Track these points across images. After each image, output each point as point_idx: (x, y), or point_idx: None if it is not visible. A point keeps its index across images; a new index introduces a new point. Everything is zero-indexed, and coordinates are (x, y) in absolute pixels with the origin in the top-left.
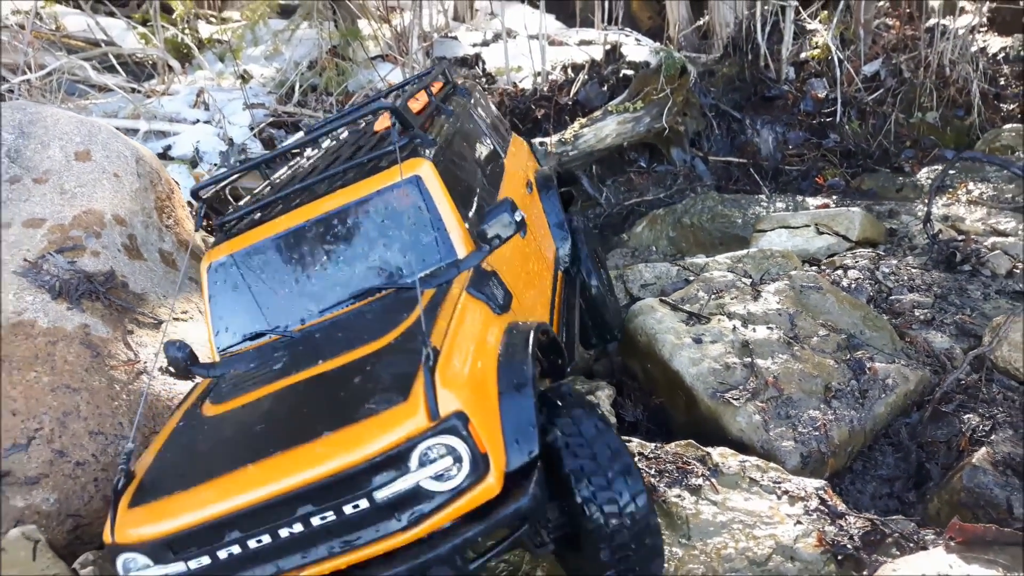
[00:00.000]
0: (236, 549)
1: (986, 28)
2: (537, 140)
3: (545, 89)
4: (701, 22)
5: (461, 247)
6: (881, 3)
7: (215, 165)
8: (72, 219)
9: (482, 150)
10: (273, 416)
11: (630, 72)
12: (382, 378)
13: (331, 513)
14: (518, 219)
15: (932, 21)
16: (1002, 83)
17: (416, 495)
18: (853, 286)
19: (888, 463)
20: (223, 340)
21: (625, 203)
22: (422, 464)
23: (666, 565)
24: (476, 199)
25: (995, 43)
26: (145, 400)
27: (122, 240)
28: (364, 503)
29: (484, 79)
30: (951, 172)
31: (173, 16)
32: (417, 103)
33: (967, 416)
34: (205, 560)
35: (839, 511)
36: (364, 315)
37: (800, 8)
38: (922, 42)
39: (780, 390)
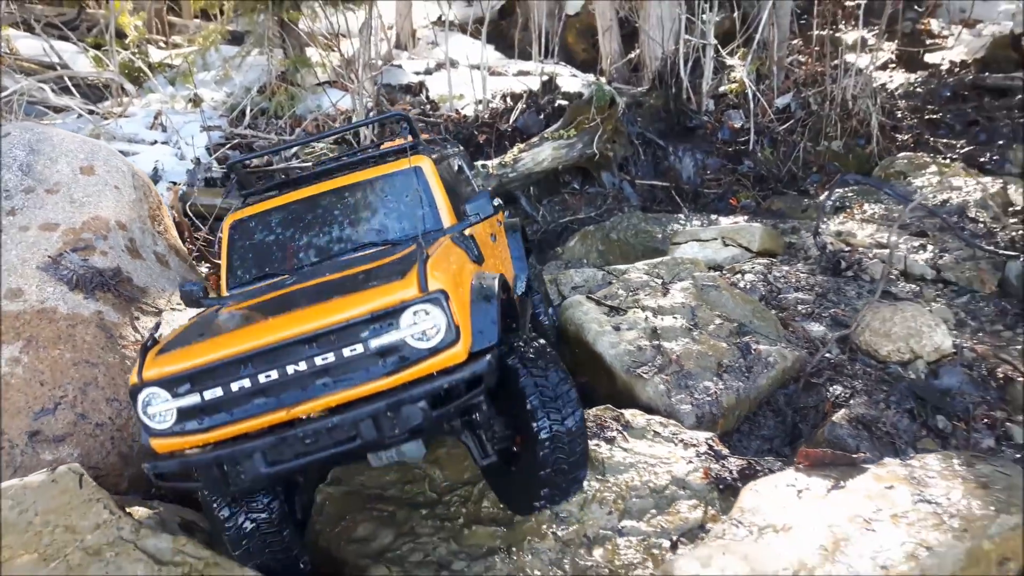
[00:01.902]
0: (247, 383)
1: (893, 65)
2: (480, 163)
3: (486, 116)
4: (632, 55)
5: (448, 217)
6: (795, 41)
7: (173, 183)
8: (82, 224)
9: (461, 182)
10: (286, 300)
11: (565, 102)
12: (383, 272)
13: (332, 355)
14: (495, 203)
15: (838, 60)
16: (899, 115)
17: (400, 348)
18: (748, 286)
19: (769, 425)
20: (233, 282)
21: (560, 220)
22: (408, 325)
23: (586, 494)
24: (458, 204)
25: (900, 79)
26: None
27: (124, 242)
28: (360, 348)
29: (428, 106)
30: (849, 194)
31: (126, 41)
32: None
33: (833, 387)
34: (218, 392)
35: (723, 454)
36: (363, 256)
37: (719, 47)
38: (828, 78)
39: (681, 366)
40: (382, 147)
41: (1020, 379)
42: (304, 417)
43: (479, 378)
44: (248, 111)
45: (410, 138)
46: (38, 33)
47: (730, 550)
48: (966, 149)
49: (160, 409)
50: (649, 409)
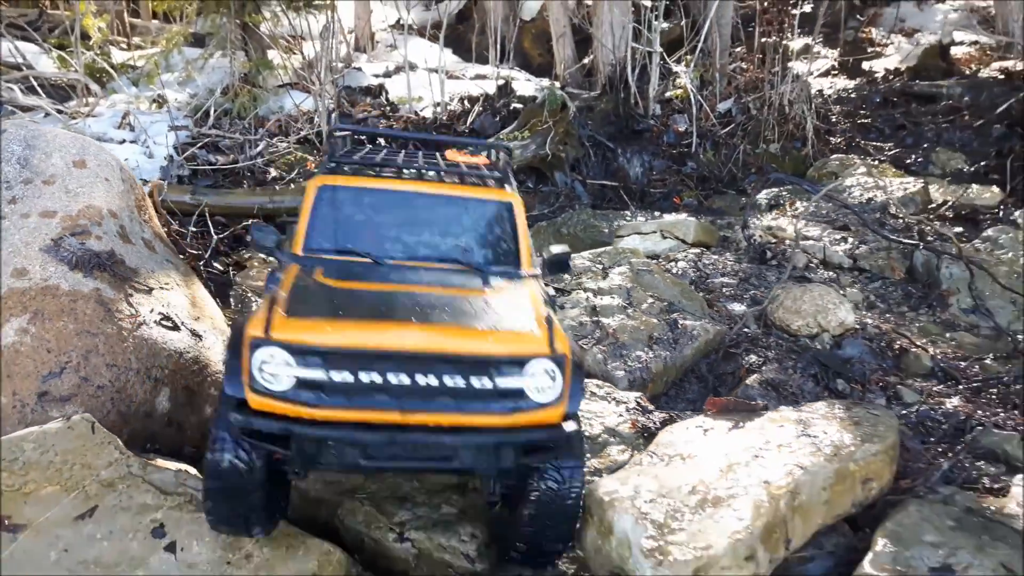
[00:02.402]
0: (377, 378)
1: (835, 72)
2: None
3: (444, 118)
4: (586, 61)
5: (526, 264)
6: (739, 49)
7: (145, 181)
8: (77, 212)
9: None
10: (411, 301)
11: (519, 105)
12: (506, 311)
13: (461, 380)
14: (570, 264)
15: (777, 67)
16: (833, 120)
17: (519, 394)
18: (679, 272)
19: (693, 389)
20: (311, 244)
21: None
22: (532, 375)
23: None
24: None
25: (839, 85)
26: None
27: (116, 229)
28: (487, 383)
29: (388, 107)
30: (783, 193)
31: (90, 42)
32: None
33: (749, 356)
34: (347, 377)
35: (649, 409)
36: (454, 274)
37: (664, 54)
38: (767, 84)
39: (617, 338)
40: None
41: (914, 350)
42: (413, 425)
43: (571, 440)
44: (212, 112)
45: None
46: (6, 36)
47: (644, 472)
48: (893, 151)
49: (277, 371)
50: (588, 375)
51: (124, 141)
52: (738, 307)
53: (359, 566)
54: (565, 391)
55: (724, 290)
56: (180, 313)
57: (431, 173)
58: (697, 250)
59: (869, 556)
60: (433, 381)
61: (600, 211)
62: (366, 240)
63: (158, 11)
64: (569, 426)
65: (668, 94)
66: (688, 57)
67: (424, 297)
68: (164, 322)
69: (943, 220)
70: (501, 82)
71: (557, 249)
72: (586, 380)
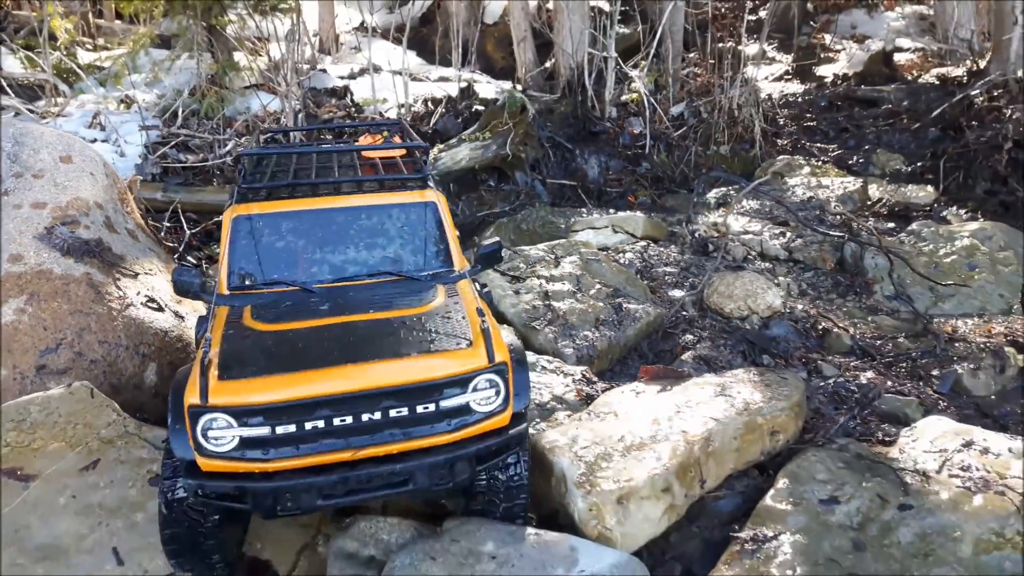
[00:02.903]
0: (321, 424)
1: (789, 77)
2: None
3: (408, 119)
4: (548, 64)
5: (458, 263)
6: (692, 55)
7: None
8: (66, 203)
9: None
10: (344, 338)
11: (481, 107)
12: (442, 330)
13: (406, 409)
14: (501, 255)
15: (728, 72)
16: (780, 123)
17: (464, 410)
18: (626, 262)
19: (635, 366)
20: (235, 281)
21: (477, 214)
22: (475, 389)
23: None
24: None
25: (790, 89)
26: None
27: (102, 219)
28: (432, 407)
29: (352, 108)
30: (732, 192)
31: (57, 43)
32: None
33: (685, 336)
34: (291, 428)
35: (593, 380)
36: (388, 289)
37: (619, 59)
38: (717, 89)
39: (566, 320)
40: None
41: (836, 330)
42: (361, 459)
43: (522, 440)
44: (180, 112)
45: (397, 139)
46: None
47: (582, 426)
48: (837, 152)
49: (221, 434)
50: (540, 351)
51: (96, 140)
52: (678, 293)
53: None
54: (510, 395)
55: (667, 278)
56: (163, 296)
57: (348, 185)
58: (645, 243)
59: (771, 492)
60: (378, 416)
61: (558, 208)
62: (292, 267)
63: (124, 12)
64: (517, 428)
65: (624, 98)
66: (643, 62)
67: (357, 328)
68: (150, 304)
69: (877, 216)
70: (464, 85)
71: (488, 242)
72: (537, 356)
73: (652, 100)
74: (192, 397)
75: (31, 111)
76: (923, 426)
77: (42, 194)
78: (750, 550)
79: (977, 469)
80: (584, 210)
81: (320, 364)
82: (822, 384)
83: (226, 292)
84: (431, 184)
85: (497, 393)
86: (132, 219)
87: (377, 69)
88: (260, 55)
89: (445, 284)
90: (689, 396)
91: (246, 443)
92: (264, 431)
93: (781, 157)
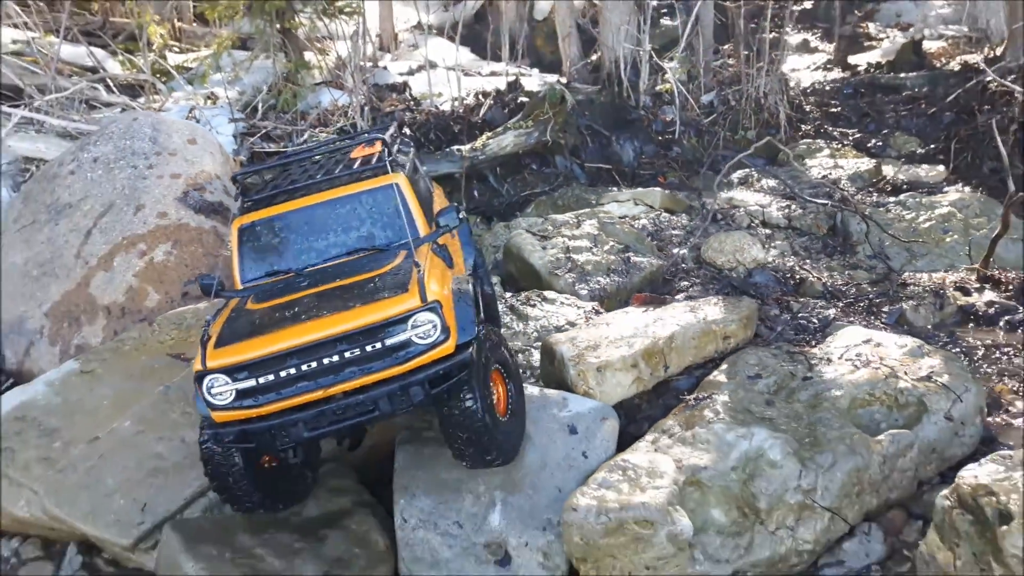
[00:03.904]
0: (292, 371)
1: (831, 66)
2: (455, 148)
3: (461, 111)
4: (593, 58)
5: (422, 228)
6: (726, 46)
7: None
8: (195, 174)
9: (424, 185)
10: (312, 303)
11: (525, 99)
12: (387, 284)
13: (358, 350)
14: (460, 216)
15: (762, 63)
16: (806, 110)
17: (407, 344)
18: (639, 227)
19: None
20: (246, 276)
21: (521, 194)
22: (414, 327)
23: (513, 328)
24: (425, 209)
25: (824, 77)
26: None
27: (221, 186)
28: (378, 345)
29: (411, 102)
30: (754, 173)
31: (153, 46)
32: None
33: (681, 282)
34: (270, 377)
35: (599, 311)
36: (361, 260)
37: (653, 52)
38: (746, 78)
39: (583, 269)
40: (355, 152)
41: (811, 279)
42: (336, 395)
43: (465, 364)
44: (260, 107)
45: (379, 146)
46: (75, 40)
47: (581, 331)
48: (857, 136)
49: (221, 390)
50: (560, 292)
51: None
52: (681, 251)
53: None
54: (452, 327)
55: (673, 239)
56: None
57: (325, 183)
58: (660, 213)
59: (714, 372)
60: (336, 358)
61: (593, 188)
62: (287, 258)
63: (208, 17)
64: (464, 355)
65: (659, 88)
66: (678, 55)
67: (324, 295)
68: None
69: (881, 192)
70: (511, 78)
71: (445, 208)
72: (558, 295)
73: (683, 90)
74: (197, 366)
75: (134, 108)
76: (842, 333)
77: (177, 167)
78: (691, 406)
79: (866, 355)
80: (615, 189)
81: (288, 323)
82: (789, 317)
83: (240, 287)
84: (392, 169)
85: (435, 327)
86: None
87: (433, 65)
88: (327, 54)
89: (406, 250)
90: (665, 313)
91: (240, 394)
92: (251, 382)
93: (804, 141)
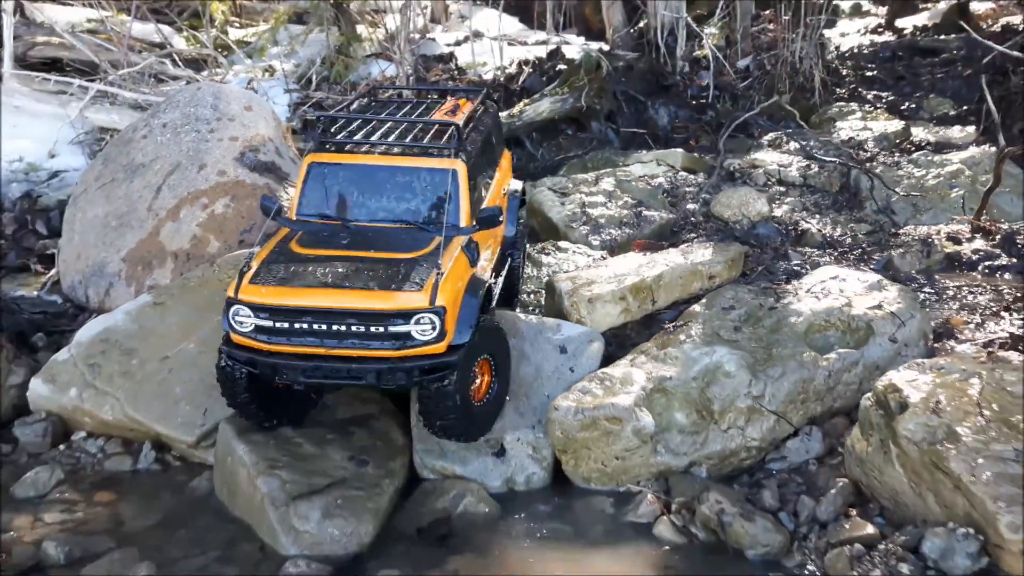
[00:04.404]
0: (305, 325)
1: (883, 28)
2: None
3: (502, 79)
4: (642, 24)
5: (464, 220)
6: (767, 12)
7: None
8: (250, 137)
9: (487, 162)
10: (342, 269)
11: (563, 67)
12: (408, 275)
13: (364, 327)
14: (500, 219)
15: (800, 28)
16: (843, 73)
17: (407, 335)
18: (656, 184)
19: None
20: (302, 210)
21: (555, 158)
22: (416, 323)
23: (528, 273)
24: (479, 190)
25: (879, 39)
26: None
27: (274, 148)
28: (382, 329)
29: (456, 71)
30: (783, 135)
31: (215, 23)
32: (463, 107)
33: (689, 234)
34: (285, 324)
35: (606, 257)
36: (402, 235)
37: (689, 20)
38: (781, 42)
39: (597, 222)
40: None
41: (811, 230)
42: (333, 355)
43: (451, 364)
44: (314, 78)
45: (461, 113)
46: (144, 18)
47: (583, 272)
48: (891, 99)
49: (243, 319)
50: (575, 242)
51: None
52: (692, 206)
53: None
54: (449, 330)
55: (687, 195)
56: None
57: (394, 147)
58: (679, 173)
59: (696, 304)
60: (343, 327)
61: (624, 151)
62: (341, 207)
63: None
64: (451, 357)
65: (696, 53)
66: (716, 21)
67: (356, 261)
68: None
69: (904, 152)
70: (552, 47)
71: (488, 206)
72: (571, 245)
73: (719, 55)
74: (231, 291)
75: (198, 80)
76: (817, 271)
77: (235, 131)
78: (669, 332)
79: (829, 289)
80: (644, 151)
81: (314, 284)
82: (785, 264)
83: (295, 218)
84: (458, 156)
85: (434, 328)
86: (291, 150)
87: (479, 35)
88: (378, 27)
89: (442, 237)
90: (659, 257)
91: (258, 329)
92: (269, 323)
93: (837, 104)
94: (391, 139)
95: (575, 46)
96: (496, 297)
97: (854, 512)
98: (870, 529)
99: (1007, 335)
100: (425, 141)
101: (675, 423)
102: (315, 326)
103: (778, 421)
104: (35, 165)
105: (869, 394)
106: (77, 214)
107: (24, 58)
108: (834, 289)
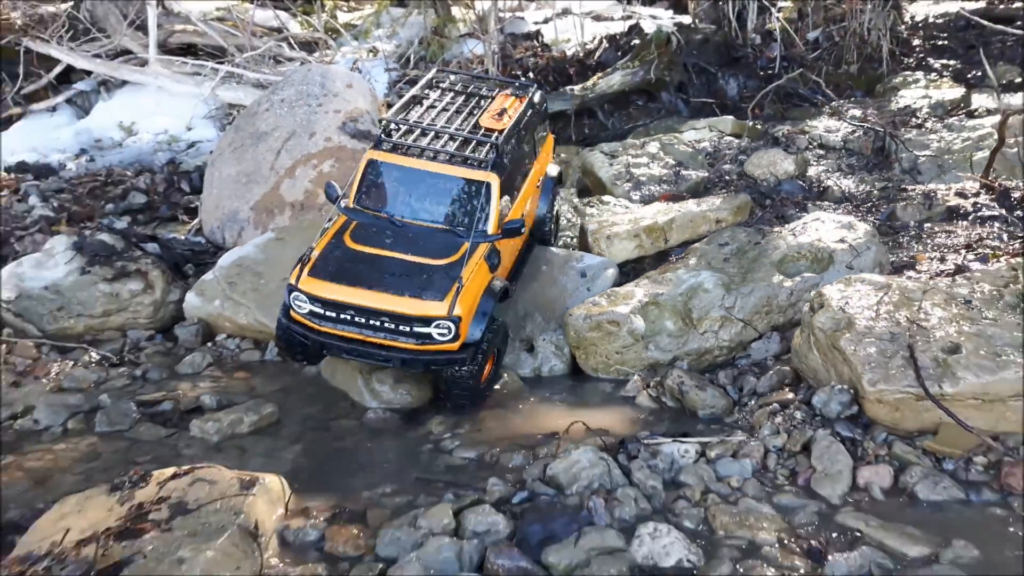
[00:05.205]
0: (348, 316)
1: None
2: (568, 87)
3: (581, 55)
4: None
5: (492, 227)
6: None
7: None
8: (351, 110)
9: (523, 161)
10: (386, 269)
11: (638, 41)
12: (435, 283)
13: (394, 324)
14: (522, 231)
15: (871, 3)
16: (915, 44)
17: (428, 335)
18: (700, 148)
19: None
20: (359, 201)
21: (625, 127)
22: (436, 327)
23: (573, 222)
24: (511, 192)
25: (953, 8)
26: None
27: (371, 120)
28: (408, 328)
29: (540, 49)
30: (846, 104)
31: (325, 8)
32: (511, 108)
33: (721, 190)
34: (332, 313)
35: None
36: (436, 237)
37: None
38: (850, 14)
39: (638, 180)
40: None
41: (833, 187)
42: (369, 341)
43: (461, 360)
44: (412, 58)
45: (508, 116)
46: (264, 5)
47: (615, 215)
48: (958, 68)
49: (300, 304)
50: (618, 197)
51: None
52: (728, 166)
53: None
54: (463, 333)
55: (726, 157)
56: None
57: (441, 155)
58: (727, 138)
59: (699, 242)
60: (377, 322)
61: (691, 119)
62: (390, 203)
63: None
64: (463, 354)
65: (768, 26)
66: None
67: (395, 267)
68: None
69: (947, 117)
70: (632, 22)
71: (512, 219)
72: (614, 198)
73: (788, 27)
74: (292, 279)
75: (310, 61)
76: (808, 216)
77: (338, 105)
78: (673, 261)
79: (807, 228)
80: (702, 120)
81: (360, 285)
82: (793, 212)
83: (352, 206)
84: (493, 169)
85: (450, 332)
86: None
87: (566, 13)
88: (471, 8)
89: (469, 242)
90: (677, 205)
91: (311, 313)
92: (320, 309)
93: (903, 73)
94: (439, 145)
95: (661, 20)
96: (514, 287)
97: (787, 388)
98: (789, 395)
99: (953, 267)
100: (468, 149)
101: (664, 328)
102: (357, 318)
103: (745, 327)
104: (175, 137)
105: (807, 302)
106: (215, 173)
107: (165, 44)
108: (811, 229)
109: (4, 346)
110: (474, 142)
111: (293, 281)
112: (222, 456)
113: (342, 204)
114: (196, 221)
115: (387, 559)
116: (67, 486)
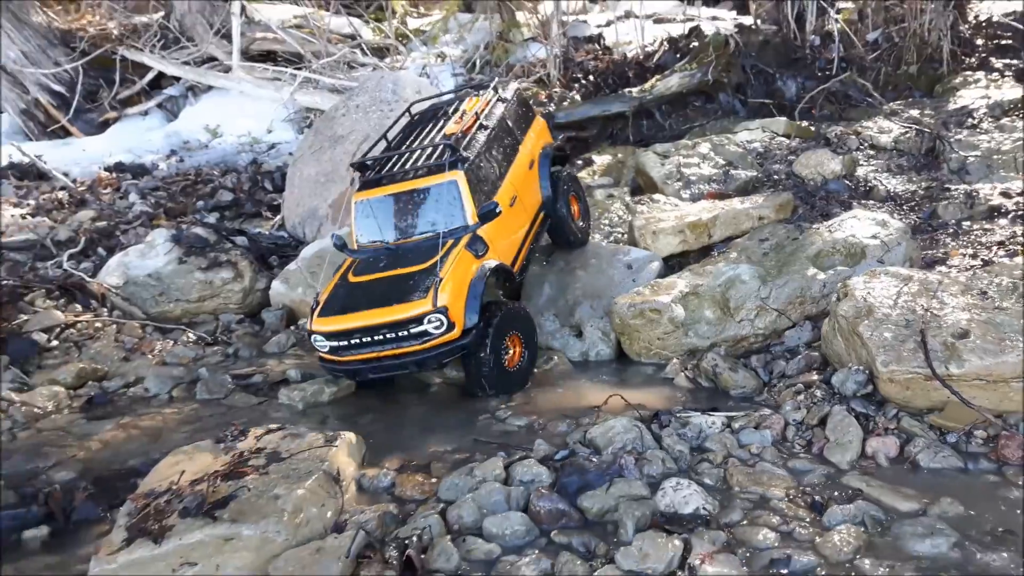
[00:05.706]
0: (357, 340)
1: None
2: (626, 90)
3: (641, 57)
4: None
5: (471, 219)
6: None
7: None
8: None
9: (502, 149)
10: (379, 289)
11: (696, 44)
12: (419, 286)
13: (394, 333)
14: (497, 211)
15: (931, 3)
16: (978, 44)
17: (425, 333)
18: (751, 148)
19: None
20: (359, 239)
21: (682, 128)
22: (428, 322)
23: (624, 219)
24: (490, 183)
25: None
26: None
27: None
28: (406, 332)
29: (601, 52)
30: (900, 106)
31: (396, 15)
32: (470, 108)
33: (768, 189)
34: (343, 343)
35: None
36: (420, 246)
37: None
38: (910, 14)
39: (688, 180)
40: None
41: (879, 186)
42: (385, 355)
43: (465, 346)
44: (478, 62)
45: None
46: (338, 12)
47: (658, 213)
48: (1021, 68)
49: (319, 343)
50: (667, 196)
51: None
52: (777, 166)
53: None
54: (457, 320)
55: (775, 157)
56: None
57: (409, 173)
58: (778, 138)
59: (742, 238)
60: (380, 336)
61: (744, 120)
62: (382, 231)
63: None
64: (464, 340)
65: (826, 28)
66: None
67: (387, 283)
68: None
69: (1002, 117)
70: (692, 24)
71: (487, 203)
72: (664, 197)
73: (847, 29)
74: (308, 323)
75: (381, 67)
76: (846, 214)
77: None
78: (715, 256)
79: (844, 225)
80: (756, 120)
81: (358, 309)
82: (837, 209)
83: (355, 247)
84: (455, 166)
85: (443, 323)
86: None
87: (628, 15)
88: (535, 14)
89: (451, 240)
90: (723, 203)
91: (332, 349)
92: (335, 342)
93: (964, 73)
94: (408, 165)
95: (723, 21)
96: (520, 272)
97: (814, 371)
98: (814, 377)
99: (982, 261)
100: (434, 159)
101: (703, 316)
102: (364, 339)
103: (779, 316)
104: (257, 139)
105: (837, 295)
106: (296, 173)
107: (247, 51)
108: (847, 225)
109: (115, 326)
110: (438, 149)
111: (310, 326)
112: (307, 420)
113: (348, 250)
114: (279, 217)
115: (447, 501)
116: (176, 442)
